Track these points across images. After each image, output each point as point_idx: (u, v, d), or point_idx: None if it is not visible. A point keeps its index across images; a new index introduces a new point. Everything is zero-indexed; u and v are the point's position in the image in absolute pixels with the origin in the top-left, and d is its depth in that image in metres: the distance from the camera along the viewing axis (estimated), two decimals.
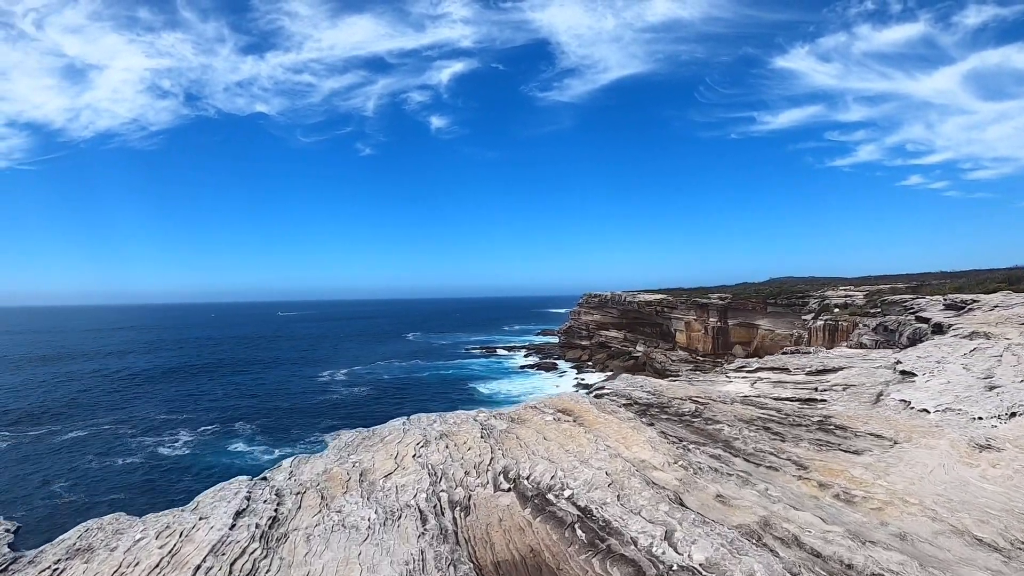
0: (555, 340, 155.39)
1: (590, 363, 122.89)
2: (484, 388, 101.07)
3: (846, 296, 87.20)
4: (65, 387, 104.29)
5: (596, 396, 10.76)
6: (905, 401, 10.39)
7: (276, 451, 63.37)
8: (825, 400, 12.24)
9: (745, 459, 7.56)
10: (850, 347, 63.21)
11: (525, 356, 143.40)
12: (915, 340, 32.29)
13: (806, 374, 14.93)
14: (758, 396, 12.50)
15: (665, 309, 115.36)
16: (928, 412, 9.86)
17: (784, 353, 19.10)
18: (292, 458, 7.37)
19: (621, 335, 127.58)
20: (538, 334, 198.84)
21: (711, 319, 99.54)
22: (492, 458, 6.94)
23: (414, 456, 7.04)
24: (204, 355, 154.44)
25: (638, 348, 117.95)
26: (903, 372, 13.57)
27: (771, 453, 7.77)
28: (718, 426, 8.83)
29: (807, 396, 12.51)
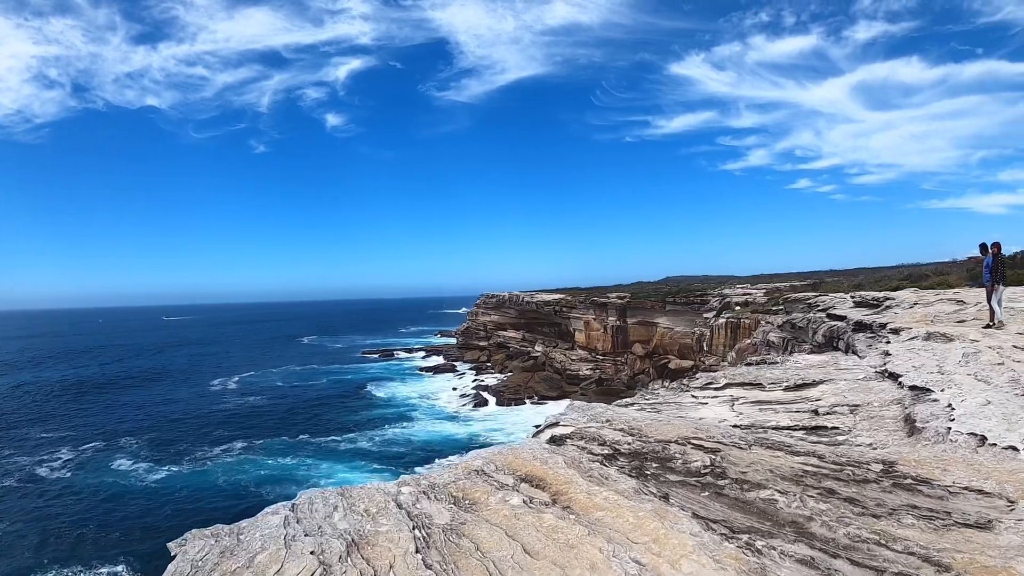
0: (453, 341, 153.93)
1: (489, 364, 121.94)
2: (381, 392, 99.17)
3: (745, 294, 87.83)
4: None
5: (554, 442, 7.66)
6: (978, 435, 7.71)
7: (163, 469, 59.59)
8: (837, 428, 9.62)
9: (850, 559, 4.67)
10: (755, 344, 62.74)
11: (423, 358, 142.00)
12: (832, 338, 31.42)
13: (784, 390, 12.39)
14: (752, 425, 9.76)
15: (564, 309, 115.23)
16: (1017, 450, 7.20)
17: (748, 364, 16.56)
18: None
19: (520, 335, 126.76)
20: (436, 335, 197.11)
21: (610, 318, 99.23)
22: None
23: None
24: (90, 365, 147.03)
25: (537, 348, 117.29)
26: (913, 388, 11.06)
27: (878, 543, 4.91)
28: (764, 493, 5.89)
29: (811, 423, 9.88)
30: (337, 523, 5.11)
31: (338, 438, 71.79)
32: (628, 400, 12.11)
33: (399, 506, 5.40)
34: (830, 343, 31.34)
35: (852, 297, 40.05)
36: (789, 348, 47.66)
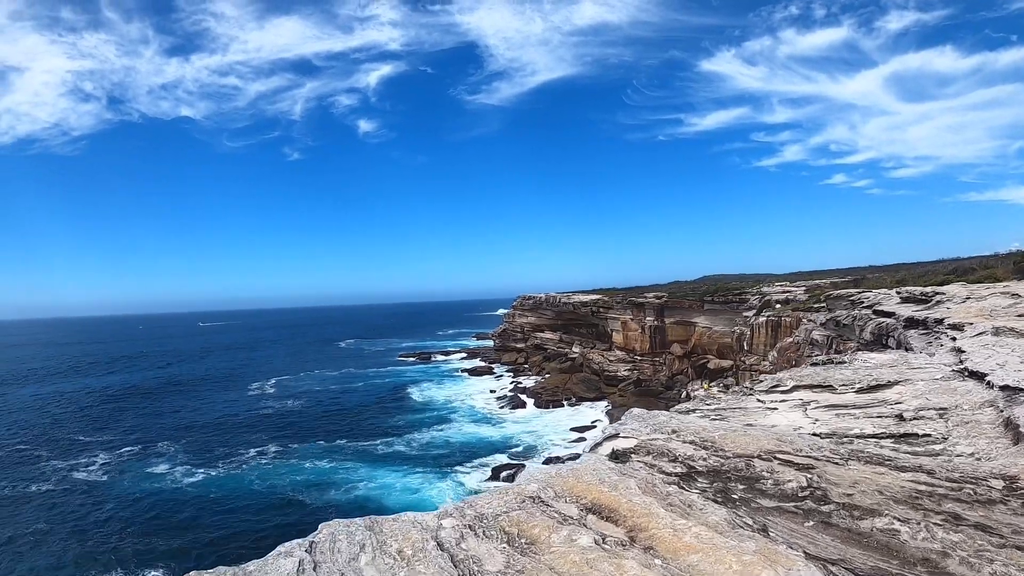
0: (490, 344, 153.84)
1: (526, 365, 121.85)
2: (419, 395, 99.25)
3: (785, 292, 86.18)
4: None
5: (617, 458, 6.69)
6: None
7: (199, 472, 59.68)
8: (929, 435, 8.54)
9: None
10: (797, 342, 61.30)
11: (460, 360, 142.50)
12: (881, 335, 30.42)
13: (857, 392, 11.29)
14: (833, 434, 8.70)
15: (601, 309, 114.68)
16: None
17: (815, 364, 15.42)
18: None
19: (557, 337, 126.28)
20: (473, 338, 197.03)
21: (648, 318, 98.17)
22: None
23: None
24: (132, 370, 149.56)
25: (574, 349, 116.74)
26: (1005, 388, 9.92)
27: None
28: (880, 521, 4.90)
29: (899, 430, 8.80)
30: (364, 569, 4.14)
31: (376, 441, 71.55)
32: (687, 406, 11.05)
33: (440, 546, 4.44)
34: (879, 340, 30.21)
35: (898, 293, 38.74)
36: (834, 346, 46.28)
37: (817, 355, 49.49)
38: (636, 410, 9.15)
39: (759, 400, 11.08)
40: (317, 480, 57.36)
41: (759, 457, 6.62)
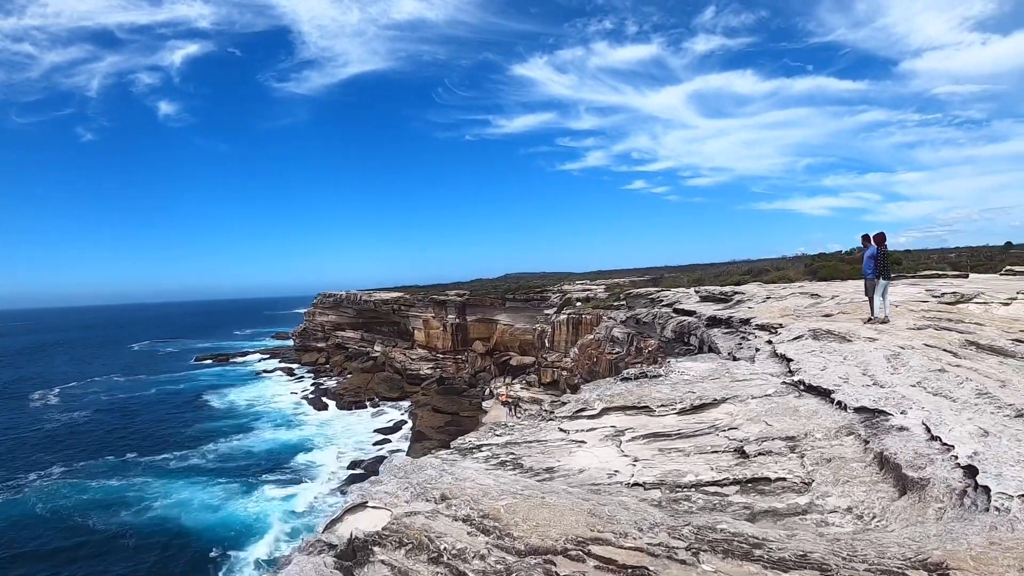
0: (290, 343, 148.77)
1: (328, 366, 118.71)
2: (217, 402, 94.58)
3: (586, 290, 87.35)
4: None
5: (352, 559, 3.99)
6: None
7: None
8: (784, 480, 6.43)
9: None
10: (598, 339, 61.14)
11: (260, 362, 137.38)
12: (682, 334, 30.25)
13: (679, 414, 9.15)
14: (661, 483, 6.38)
15: (402, 307, 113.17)
16: None
17: (626, 379, 13.11)
18: None
19: (358, 335, 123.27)
20: (272, 337, 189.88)
21: (449, 316, 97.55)
22: None
23: None
24: None
25: (376, 348, 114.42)
26: (861, 410, 8.06)
27: None
28: None
29: (743, 472, 6.61)
30: None
31: (171, 454, 66.00)
32: (473, 440, 8.43)
33: None
34: (680, 339, 29.78)
35: (696, 291, 38.83)
36: (635, 343, 46.26)
37: (618, 352, 49.30)
38: (399, 458, 6.53)
39: (561, 429, 8.66)
40: (106, 500, 51.53)
41: (565, 552, 4.07)
